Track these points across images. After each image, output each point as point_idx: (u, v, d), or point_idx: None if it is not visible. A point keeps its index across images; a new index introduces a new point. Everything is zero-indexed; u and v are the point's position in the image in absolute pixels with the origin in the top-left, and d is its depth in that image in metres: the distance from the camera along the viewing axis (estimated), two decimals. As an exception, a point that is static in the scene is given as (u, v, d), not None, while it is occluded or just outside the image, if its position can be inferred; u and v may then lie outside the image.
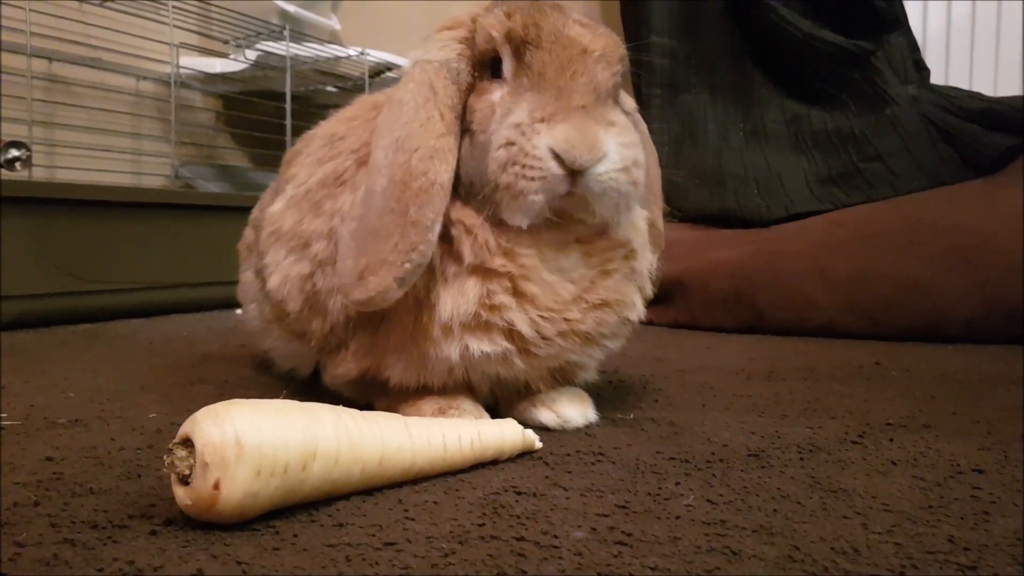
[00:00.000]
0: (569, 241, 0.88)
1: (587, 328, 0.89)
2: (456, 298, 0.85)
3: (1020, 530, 0.61)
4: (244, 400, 0.64)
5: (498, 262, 0.85)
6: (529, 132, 0.80)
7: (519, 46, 0.85)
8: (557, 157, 0.79)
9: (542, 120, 0.80)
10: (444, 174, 0.83)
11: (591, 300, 0.89)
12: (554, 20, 0.85)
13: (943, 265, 1.79)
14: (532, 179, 0.80)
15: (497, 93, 0.86)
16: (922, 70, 2.37)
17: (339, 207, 0.92)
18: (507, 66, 0.86)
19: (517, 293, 0.86)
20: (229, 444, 0.58)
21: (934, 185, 2.07)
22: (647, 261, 0.97)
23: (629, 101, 0.98)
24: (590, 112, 0.81)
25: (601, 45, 0.85)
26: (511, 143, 0.81)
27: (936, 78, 2.41)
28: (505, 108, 0.84)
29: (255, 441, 0.60)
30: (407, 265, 0.81)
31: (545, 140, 0.79)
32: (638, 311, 0.96)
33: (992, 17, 2.49)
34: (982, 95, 2.21)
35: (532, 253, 0.86)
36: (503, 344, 0.86)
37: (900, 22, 2.39)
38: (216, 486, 0.58)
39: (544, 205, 0.81)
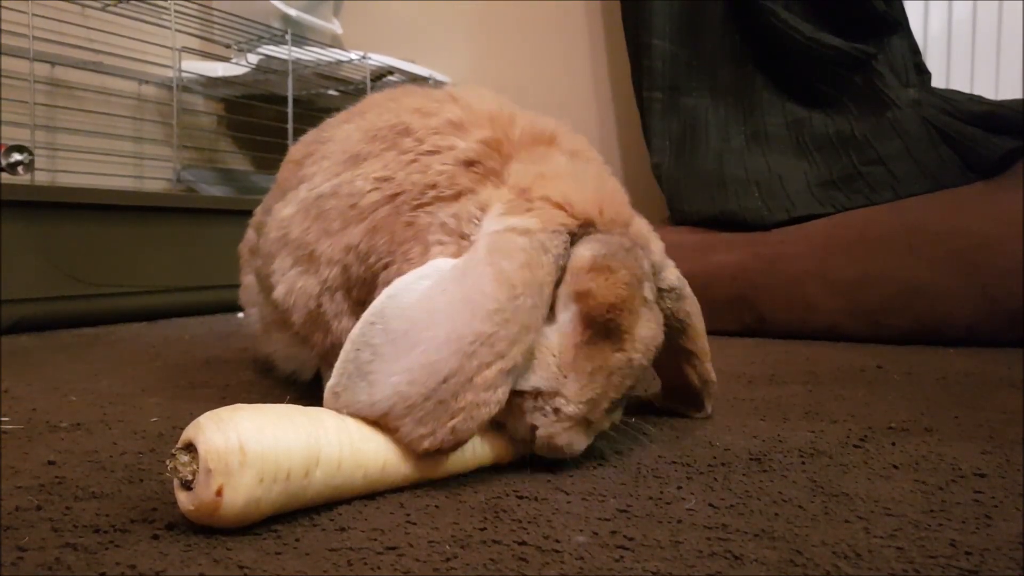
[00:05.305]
0: None
1: None
2: None
3: (1022, 534, 0.61)
4: (248, 405, 0.64)
5: None
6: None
7: (593, 319, 0.76)
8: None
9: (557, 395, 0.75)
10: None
11: None
12: (631, 322, 0.77)
13: (944, 268, 1.79)
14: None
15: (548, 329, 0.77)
16: (923, 73, 2.37)
17: (351, 242, 0.89)
18: (568, 320, 0.77)
19: None
20: (233, 450, 0.58)
21: (935, 188, 2.06)
22: None
23: (672, 271, 0.94)
24: (593, 426, 0.78)
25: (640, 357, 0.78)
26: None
27: (937, 81, 2.40)
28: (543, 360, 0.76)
29: (259, 447, 0.60)
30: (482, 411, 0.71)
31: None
32: None
33: (993, 20, 2.48)
34: (983, 98, 2.21)
35: None
36: None
37: (901, 25, 2.39)
38: (219, 492, 0.58)
39: None
